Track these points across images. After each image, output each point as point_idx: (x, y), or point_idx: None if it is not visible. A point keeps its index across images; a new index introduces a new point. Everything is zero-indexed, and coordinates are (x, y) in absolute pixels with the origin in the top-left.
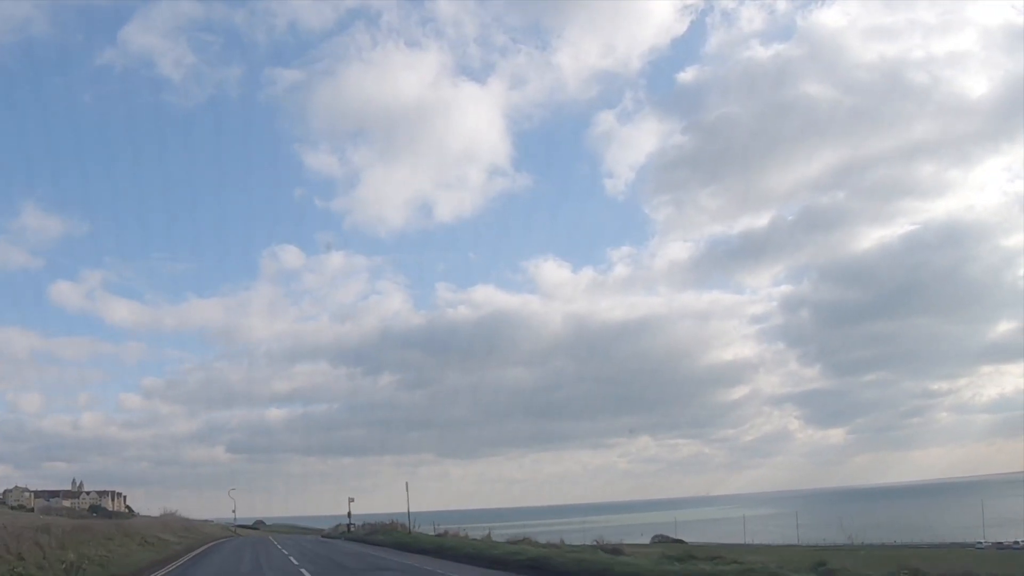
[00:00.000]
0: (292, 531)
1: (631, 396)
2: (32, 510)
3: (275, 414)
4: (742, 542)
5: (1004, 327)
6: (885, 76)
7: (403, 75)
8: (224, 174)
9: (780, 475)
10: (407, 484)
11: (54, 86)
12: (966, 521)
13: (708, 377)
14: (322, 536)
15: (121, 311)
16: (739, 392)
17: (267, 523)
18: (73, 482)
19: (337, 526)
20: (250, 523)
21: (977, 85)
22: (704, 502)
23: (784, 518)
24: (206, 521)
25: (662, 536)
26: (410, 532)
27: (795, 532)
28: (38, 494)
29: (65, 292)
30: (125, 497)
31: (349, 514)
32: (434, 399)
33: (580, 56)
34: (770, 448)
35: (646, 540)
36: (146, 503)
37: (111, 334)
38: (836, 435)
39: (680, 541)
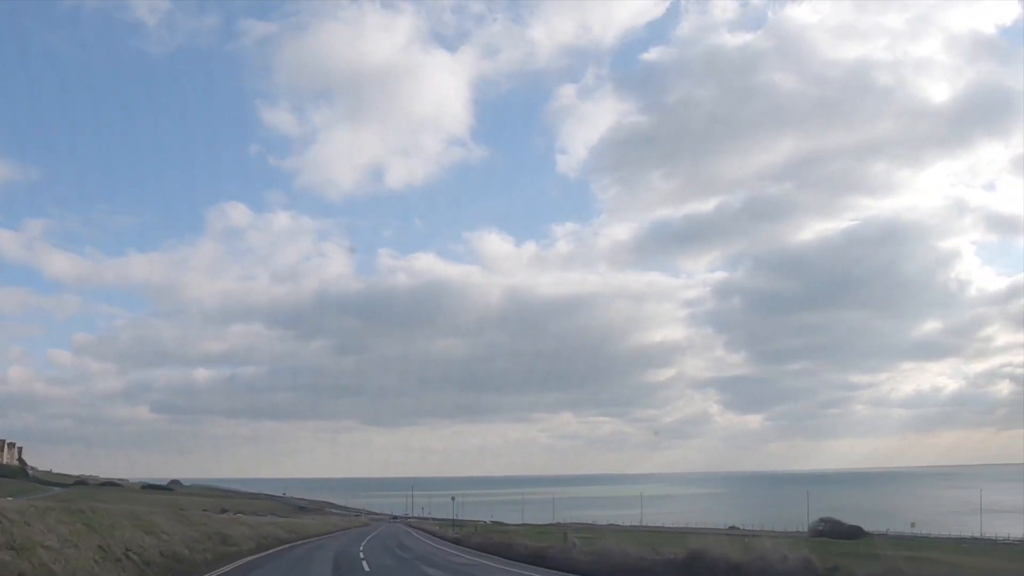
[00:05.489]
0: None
1: (560, 372)
2: None
3: (203, 375)
4: (707, 524)
5: (930, 326)
6: (850, 74)
7: (375, 37)
8: (181, 126)
9: (697, 457)
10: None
11: (17, 25)
12: (910, 511)
13: (636, 357)
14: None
15: (60, 263)
16: (665, 374)
17: (183, 484)
18: None
19: None
20: (163, 483)
21: (939, 91)
22: (625, 480)
23: (715, 499)
24: None
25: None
26: None
27: (746, 514)
28: None
29: (4, 241)
30: (20, 449)
31: None
32: (364, 366)
33: (555, 33)
34: (689, 430)
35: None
36: (64, 460)
37: (47, 287)
38: (754, 421)
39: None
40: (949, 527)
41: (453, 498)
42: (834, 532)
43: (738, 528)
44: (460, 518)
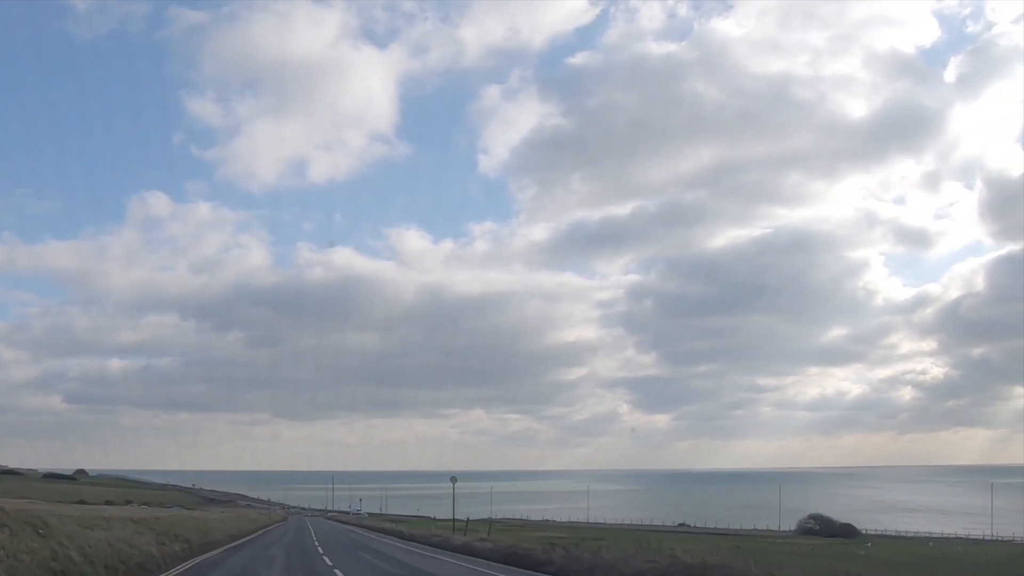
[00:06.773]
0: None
1: (473, 369)
2: None
3: (116, 365)
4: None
5: (836, 332)
6: (770, 87)
7: (304, 31)
8: (105, 113)
9: (605, 455)
10: None
11: None
12: (827, 509)
13: (548, 356)
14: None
15: None
16: (576, 373)
17: (90, 474)
18: None
19: None
20: (69, 473)
21: (857, 107)
22: (536, 476)
23: (638, 496)
24: None
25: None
26: None
27: (677, 511)
28: None
29: None
30: None
31: None
32: (278, 359)
33: (484, 35)
34: (598, 428)
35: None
36: None
37: None
38: (662, 420)
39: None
40: (866, 523)
41: (454, 479)
42: (825, 531)
43: (687, 525)
44: (391, 513)
